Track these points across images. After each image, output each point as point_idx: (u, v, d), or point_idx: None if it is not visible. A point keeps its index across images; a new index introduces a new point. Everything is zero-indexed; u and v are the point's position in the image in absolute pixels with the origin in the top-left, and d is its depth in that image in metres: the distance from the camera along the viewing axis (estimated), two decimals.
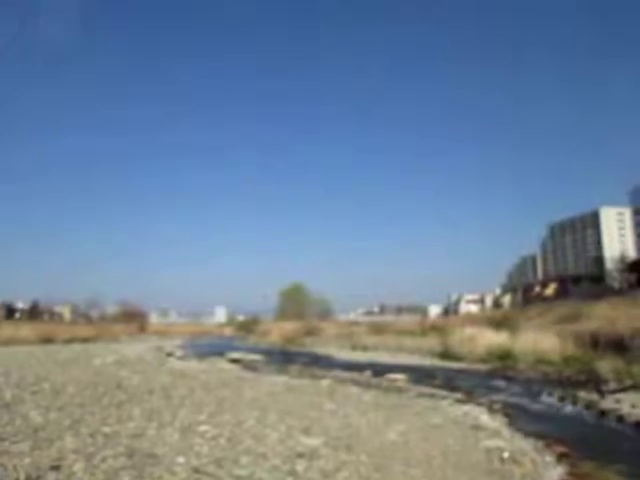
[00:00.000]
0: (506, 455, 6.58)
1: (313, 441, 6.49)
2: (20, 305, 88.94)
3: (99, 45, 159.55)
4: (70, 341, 42.00)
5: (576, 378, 17.10)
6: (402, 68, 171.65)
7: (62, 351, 27.16)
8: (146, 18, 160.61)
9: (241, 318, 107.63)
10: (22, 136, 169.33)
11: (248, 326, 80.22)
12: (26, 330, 40.50)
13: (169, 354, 28.17)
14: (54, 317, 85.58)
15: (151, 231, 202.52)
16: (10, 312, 75.88)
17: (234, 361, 25.18)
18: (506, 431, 8.87)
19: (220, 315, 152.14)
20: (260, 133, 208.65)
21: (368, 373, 19.09)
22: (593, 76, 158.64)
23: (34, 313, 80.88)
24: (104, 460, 5.33)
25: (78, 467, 5.08)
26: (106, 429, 6.76)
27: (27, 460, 5.25)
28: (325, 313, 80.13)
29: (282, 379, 16.10)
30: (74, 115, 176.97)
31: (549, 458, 7.12)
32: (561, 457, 7.26)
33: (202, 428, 6.99)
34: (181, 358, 26.13)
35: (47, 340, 39.44)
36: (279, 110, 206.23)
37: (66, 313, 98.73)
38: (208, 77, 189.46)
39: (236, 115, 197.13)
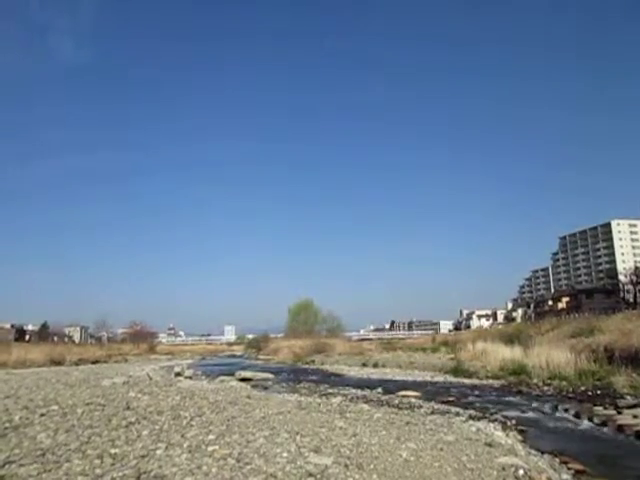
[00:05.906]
0: (521, 473, 6.41)
1: (324, 460, 6.37)
2: (30, 327, 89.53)
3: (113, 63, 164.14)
4: (79, 362, 42.02)
5: (592, 393, 16.74)
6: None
7: (71, 372, 27.13)
8: (158, 33, 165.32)
9: (250, 337, 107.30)
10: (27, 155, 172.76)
11: (258, 344, 79.89)
12: (35, 352, 40.52)
13: (178, 374, 28.03)
14: (64, 339, 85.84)
15: (160, 252, 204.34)
16: (20, 334, 76.22)
17: (244, 380, 24.99)
18: (521, 448, 8.66)
19: (229, 334, 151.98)
20: (265, 152, 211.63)
21: (379, 390, 18.84)
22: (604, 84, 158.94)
23: (43, 335, 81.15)
24: None
25: None
26: (114, 450, 6.70)
27: None
28: (335, 330, 79.49)
29: (292, 397, 15.93)
30: (89, 133, 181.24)
31: (566, 475, 6.94)
32: (578, 474, 7.08)
33: (211, 448, 6.90)
34: (190, 378, 25.99)
35: (56, 362, 39.42)
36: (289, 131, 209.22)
37: (75, 335, 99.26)
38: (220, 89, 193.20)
39: (251, 129, 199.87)
